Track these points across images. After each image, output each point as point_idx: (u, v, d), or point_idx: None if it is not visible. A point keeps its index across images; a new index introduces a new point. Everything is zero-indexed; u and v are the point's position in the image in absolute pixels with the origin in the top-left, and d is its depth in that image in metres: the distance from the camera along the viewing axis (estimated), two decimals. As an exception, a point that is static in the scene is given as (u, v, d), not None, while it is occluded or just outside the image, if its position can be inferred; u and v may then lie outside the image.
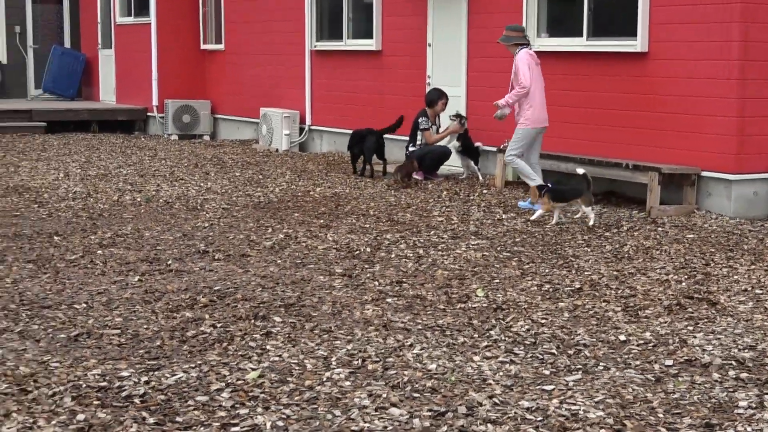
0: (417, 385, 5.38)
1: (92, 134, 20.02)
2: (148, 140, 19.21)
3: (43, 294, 7.33)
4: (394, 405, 5.08)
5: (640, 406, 5.15)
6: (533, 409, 5.06)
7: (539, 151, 11.74)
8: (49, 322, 6.58)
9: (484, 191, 12.30)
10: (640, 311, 7.06)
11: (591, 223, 10.24)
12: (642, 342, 6.31)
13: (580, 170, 10.56)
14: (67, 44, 24.30)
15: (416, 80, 15.00)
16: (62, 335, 6.31)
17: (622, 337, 6.39)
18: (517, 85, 11.39)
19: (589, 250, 9.16)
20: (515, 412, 5.00)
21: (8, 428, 4.73)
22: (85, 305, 7.02)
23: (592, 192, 10.54)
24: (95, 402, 5.09)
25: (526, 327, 6.60)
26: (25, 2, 23.80)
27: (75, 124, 20.53)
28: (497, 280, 7.95)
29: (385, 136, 14.20)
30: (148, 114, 20.84)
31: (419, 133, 13.82)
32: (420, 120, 13.78)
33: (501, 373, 5.63)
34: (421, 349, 6.04)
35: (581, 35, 12.37)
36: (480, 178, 13.34)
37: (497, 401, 5.16)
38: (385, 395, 5.21)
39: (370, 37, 16.00)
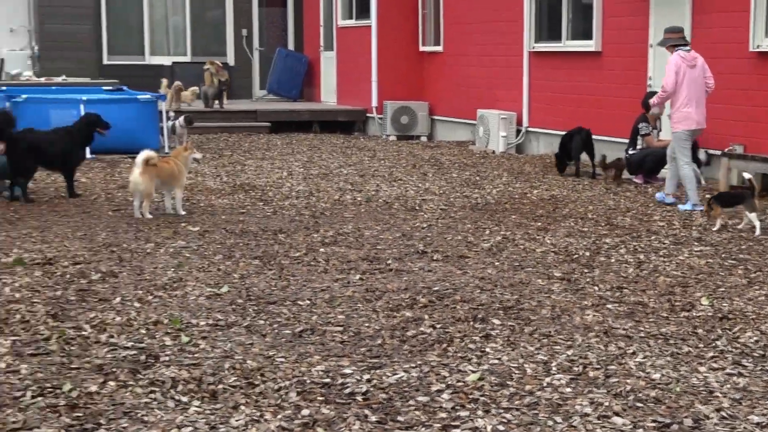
0: (640, 395, 5.26)
1: (314, 134, 20.54)
2: (367, 141, 19.55)
3: (269, 290, 7.54)
4: (616, 414, 4.98)
5: None
6: (764, 424, 4.87)
7: None
8: (275, 318, 6.77)
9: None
10: None
11: (757, 232, 9.81)
12: None
13: (747, 174, 10.14)
14: (291, 46, 24.99)
15: (637, 82, 14.69)
16: (287, 331, 6.48)
17: None
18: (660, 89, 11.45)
19: (821, 259, 8.76)
20: (744, 427, 4.83)
21: (237, 420, 4.89)
22: (308, 302, 7.19)
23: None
24: (319, 398, 5.21)
25: (755, 338, 6.36)
26: (252, 6, 24.62)
27: (297, 124, 21.10)
28: (722, 289, 7.69)
29: (601, 138, 14.14)
30: (368, 115, 21.20)
31: (639, 138, 13.55)
32: (640, 126, 13.51)
33: (728, 386, 5.44)
34: (644, 358, 5.91)
35: (815, 35, 11.87)
36: (703, 182, 12.94)
37: (725, 415, 4.99)
38: (607, 403, 5.12)
39: (590, 37, 15.79)
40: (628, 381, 5.48)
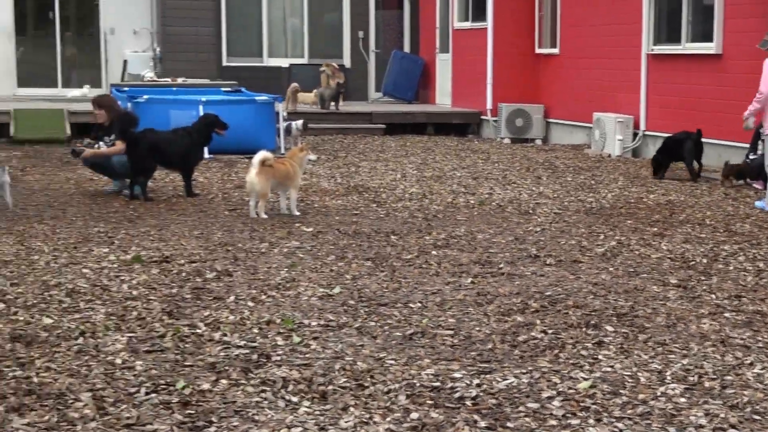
0: (758, 407, 5.12)
1: (428, 137, 20.54)
2: (481, 143, 19.48)
3: (380, 291, 7.56)
4: (733, 426, 4.86)
5: None
6: None
7: None
8: (386, 320, 6.78)
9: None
10: None
11: None
12: None
13: None
14: (407, 49, 25.04)
15: (758, 85, 14.29)
16: (398, 333, 6.48)
17: None
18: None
19: None
20: None
21: (346, 422, 4.90)
22: (419, 304, 7.18)
23: None
24: (428, 401, 5.19)
25: None
26: (368, 8, 24.75)
27: (411, 126, 21.13)
28: None
29: (721, 143, 13.87)
30: (482, 117, 21.13)
31: (760, 143, 13.21)
32: (762, 130, 13.17)
33: None
34: (762, 369, 5.75)
35: None
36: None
37: None
38: (723, 415, 5.00)
39: (710, 40, 15.48)
40: (745, 392, 5.34)
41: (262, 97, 17.14)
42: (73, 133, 18.07)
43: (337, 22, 24.84)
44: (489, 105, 20.68)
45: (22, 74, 23.71)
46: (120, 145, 11.86)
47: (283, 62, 24.22)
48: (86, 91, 21.90)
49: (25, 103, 20.29)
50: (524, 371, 5.68)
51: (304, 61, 24.39)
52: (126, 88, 18.30)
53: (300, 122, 17.02)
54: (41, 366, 5.64)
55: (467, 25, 21.90)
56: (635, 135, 17.27)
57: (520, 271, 8.30)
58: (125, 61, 23.31)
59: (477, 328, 6.58)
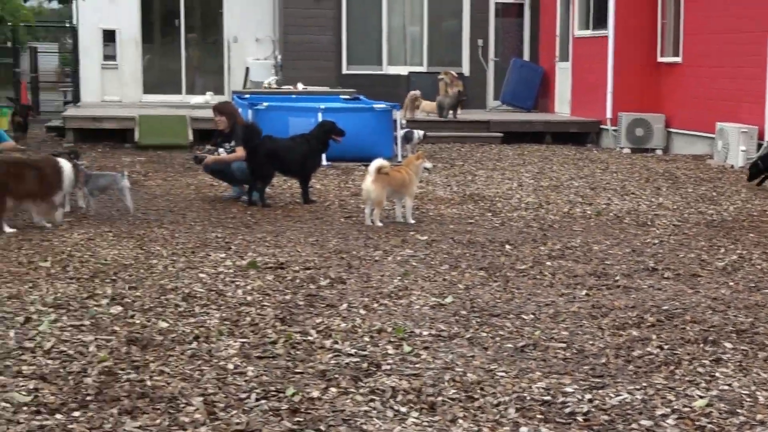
0: None
1: (545, 146, 20.35)
2: (599, 153, 19.21)
3: (493, 302, 7.50)
4: None
5: None
6: None
7: None
8: (497, 331, 6.72)
9: None
10: None
11: None
12: None
13: None
14: (526, 57, 24.86)
15: None
16: (509, 345, 6.42)
17: None
18: None
19: None
20: None
21: (455, 433, 4.88)
22: (532, 316, 7.10)
23: None
24: (538, 416, 5.13)
25: None
26: (488, 16, 24.65)
27: (529, 135, 20.96)
28: None
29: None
30: (601, 127, 20.85)
31: None
32: None
33: None
34: None
35: None
36: None
37: None
38: None
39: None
40: None
41: (380, 105, 17.19)
42: (195, 140, 18.40)
43: (457, 30, 24.77)
44: (609, 114, 20.40)
45: (147, 81, 24.26)
46: (240, 152, 12.02)
47: (402, 70, 24.25)
48: (209, 97, 22.29)
49: (149, 110, 20.75)
50: (638, 387, 5.56)
51: (423, 69, 24.37)
52: (247, 95, 18.55)
53: (422, 132, 17.08)
54: (155, 369, 5.73)
55: (588, 33, 21.65)
56: (759, 146, 16.83)
57: (636, 284, 8.15)
58: (247, 69, 23.64)
59: (590, 342, 6.48)
